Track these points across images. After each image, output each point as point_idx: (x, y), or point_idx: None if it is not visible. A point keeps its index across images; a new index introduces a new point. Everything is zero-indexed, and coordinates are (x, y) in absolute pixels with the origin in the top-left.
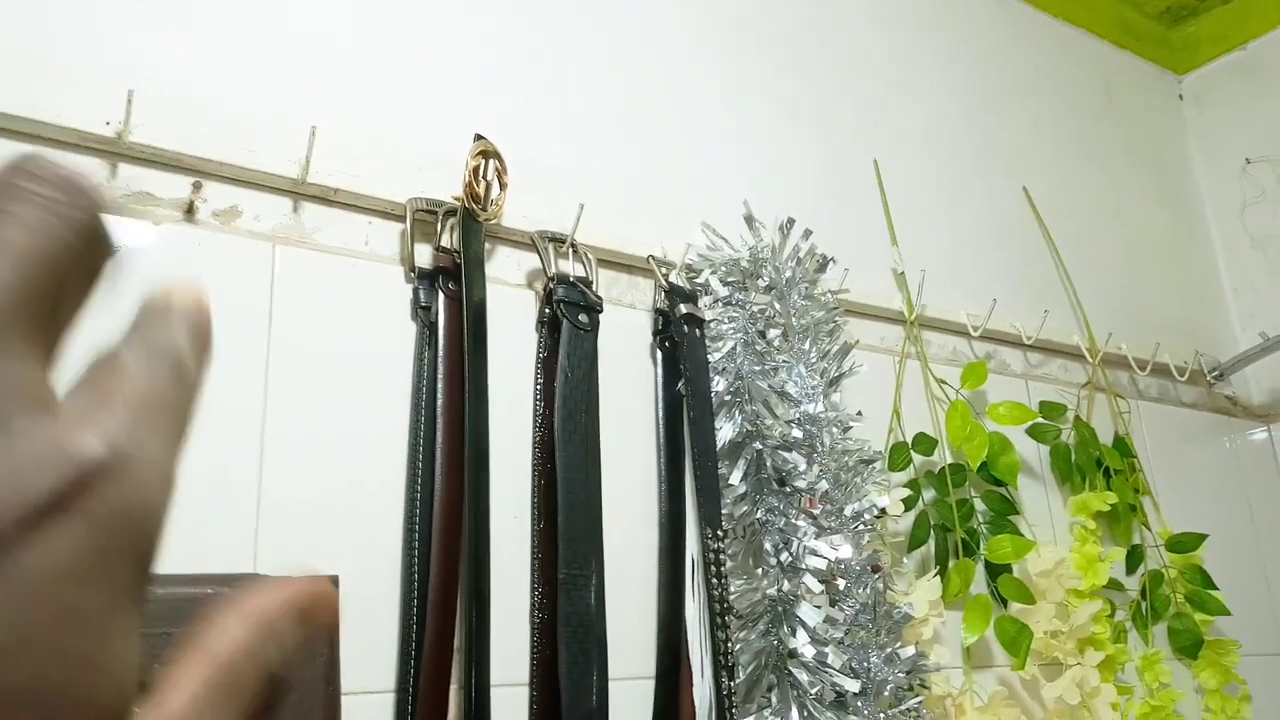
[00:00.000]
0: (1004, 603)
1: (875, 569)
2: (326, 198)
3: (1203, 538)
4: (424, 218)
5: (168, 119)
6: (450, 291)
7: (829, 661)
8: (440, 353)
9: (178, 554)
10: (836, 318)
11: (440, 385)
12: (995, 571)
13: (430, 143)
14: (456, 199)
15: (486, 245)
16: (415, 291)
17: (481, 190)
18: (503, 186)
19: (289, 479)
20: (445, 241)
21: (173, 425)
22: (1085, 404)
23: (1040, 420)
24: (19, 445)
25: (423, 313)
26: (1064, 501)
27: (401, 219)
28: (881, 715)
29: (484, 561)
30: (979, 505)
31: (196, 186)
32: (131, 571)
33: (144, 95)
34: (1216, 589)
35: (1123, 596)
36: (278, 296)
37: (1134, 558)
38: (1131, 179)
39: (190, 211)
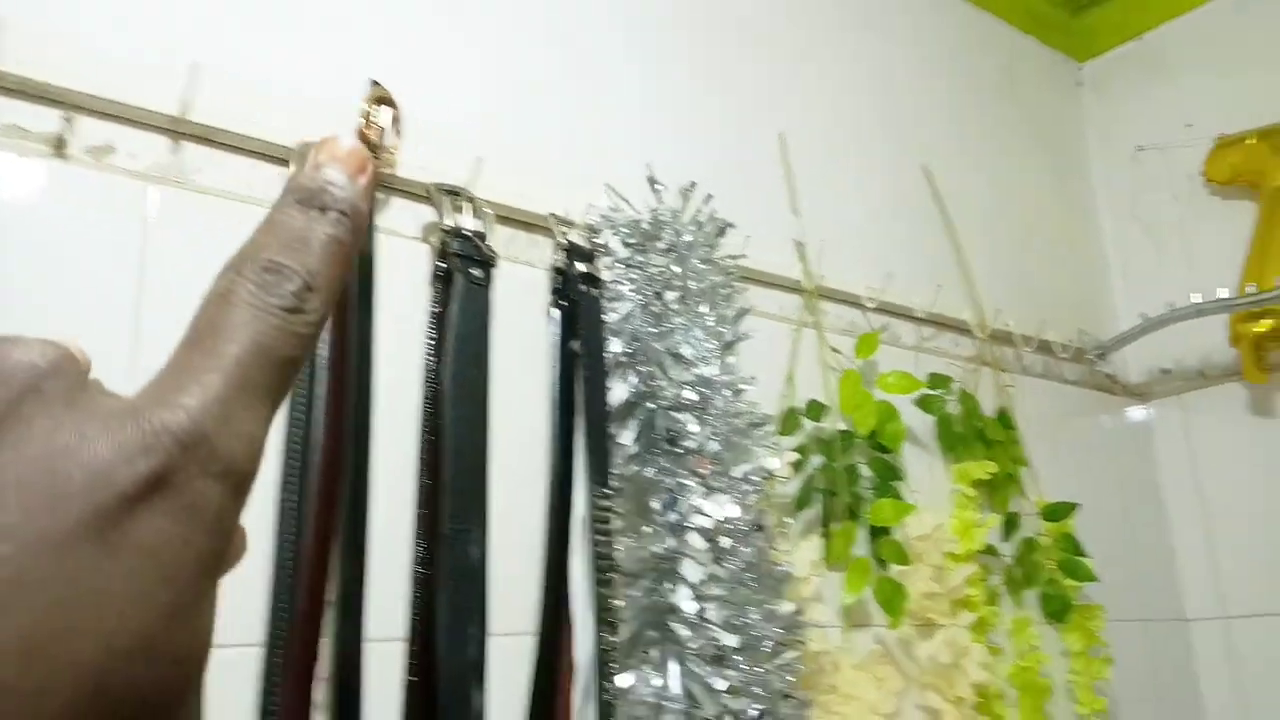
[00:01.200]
0: (884, 565)
1: (760, 528)
2: (208, 138)
3: (1074, 507)
4: None
5: (39, 50)
6: None
7: (709, 617)
8: None
9: None
10: (734, 282)
11: (324, 335)
12: (877, 534)
13: (323, 87)
14: None
15: (380, 196)
16: None
17: (375, 138)
18: (398, 135)
19: None
20: None
21: (267, 387)
22: (972, 377)
23: (927, 391)
24: (114, 431)
25: None
26: (947, 470)
27: (285, 162)
28: (759, 670)
29: (363, 515)
30: (865, 471)
31: (68, 120)
32: (216, 537)
33: (14, 25)
34: (1086, 557)
35: (998, 562)
36: (152, 238)
37: (1010, 525)
38: (1028, 161)
39: (61, 147)
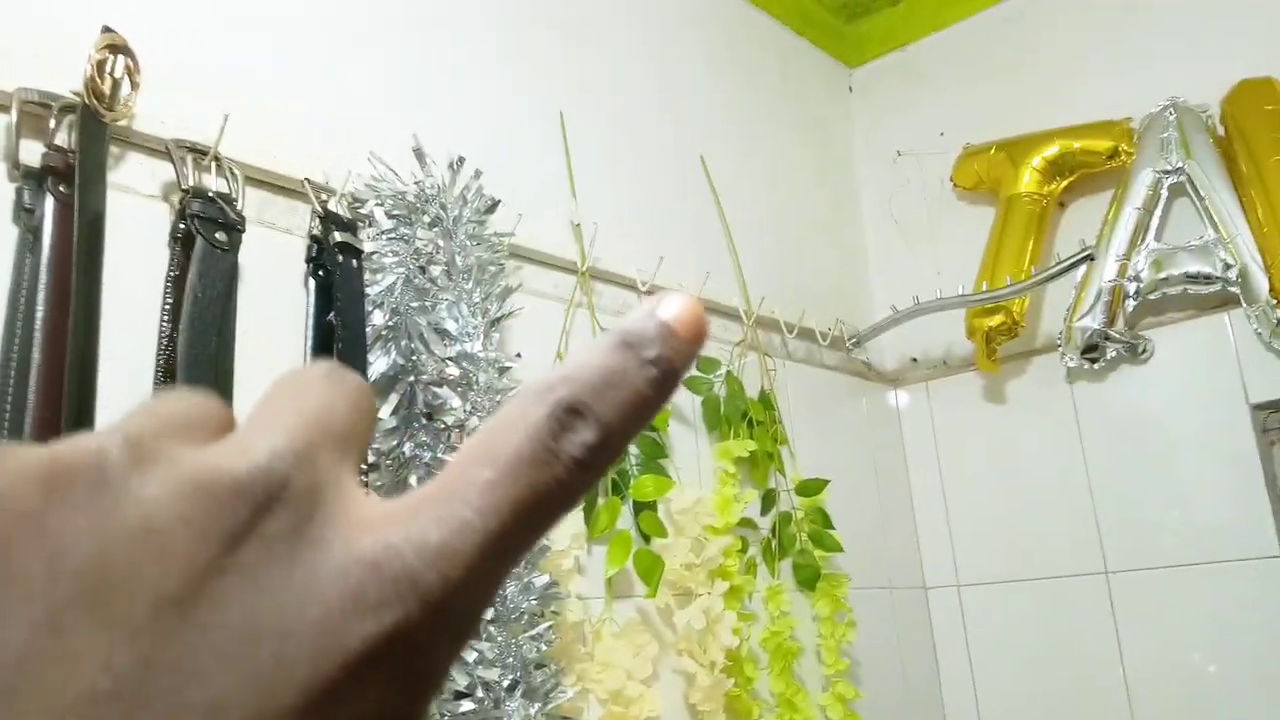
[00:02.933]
0: (646, 538)
1: None
2: None
3: (825, 483)
4: (35, 110)
5: None
6: (61, 195)
7: None
8: (44, 262)
9: None
10: (503, 260)
11: (42, 297)
12: (640, 509)
13: (51, 30)
14: (76, 94)
15: (115, 150)
16: (19, 192)
17: (107, 88)
18: (134, 86)
19: None
20: (61, 140)
21: (521, 547)
22: (738, 360)
23: (695, 373)
24: (349, 578)
25: (26, 215)
26: (711, 448)
27: (6, 110)
28: (514, 641)
29: None
30: (632, 449)
31: None
32: (429, 703)
33: None
34: (834, 529)
35: (756, 535)
36: None
37: (768, 500)
38: (798, 158)
39: None
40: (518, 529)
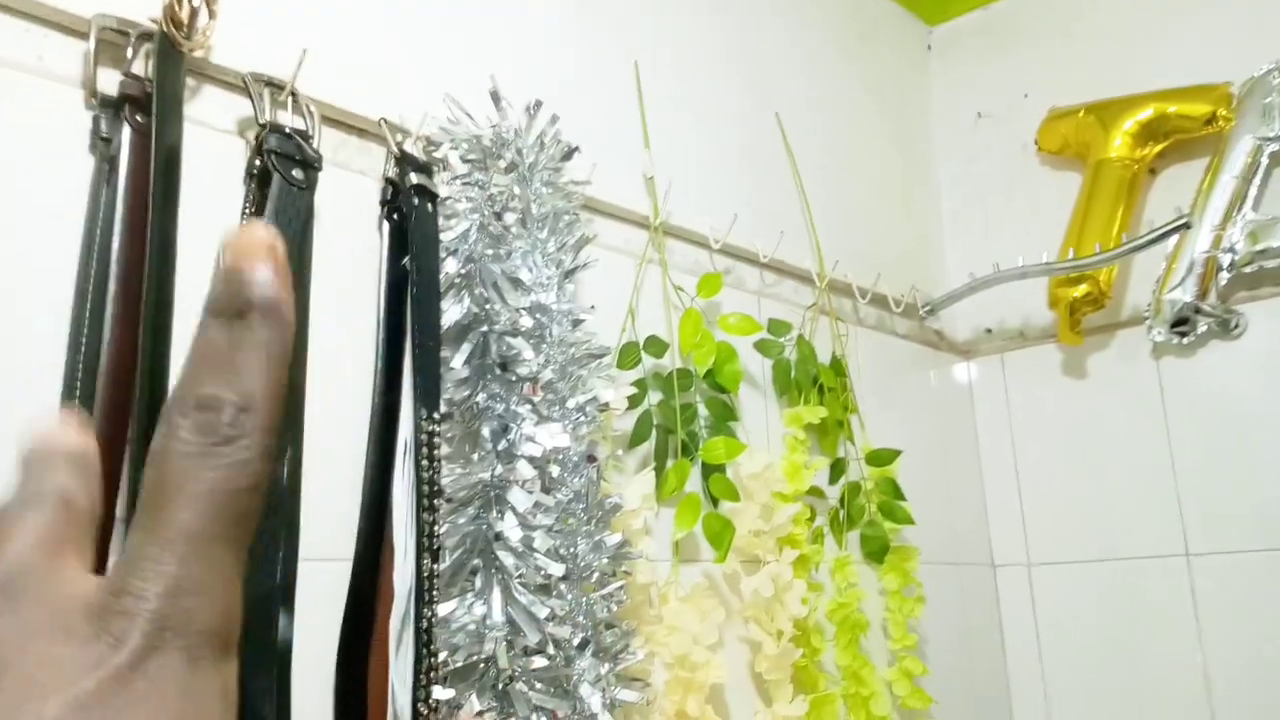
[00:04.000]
0: (714, 502)
1: (591, 459)
2: None
3: (897, 453)
4: (113, 38)
5: None
6: (138, 125)
7: (535, 545)
8: (120, 193)
9: None
10: (577, 209)
11: (118, 230)
12: (709, 472)
13: None
14: (155, 21)
15: (190, 82)
16: (96, 120)
17: (185, 16)
18: (212, 15)
19: None
20: (138, 69)
21: (226, 537)
22: (809, 325)
23: (766, 335)
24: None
25: (103, 144)
26: (780, 413)
27: (84, 36)
28: (584, 599)
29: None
30: (702, 410)
31: None
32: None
33: None
34: (905, 501)
35: (823, 504)
36: None
37: (837, 469)
38: (874, 118)
39: None
40: (212, 532)
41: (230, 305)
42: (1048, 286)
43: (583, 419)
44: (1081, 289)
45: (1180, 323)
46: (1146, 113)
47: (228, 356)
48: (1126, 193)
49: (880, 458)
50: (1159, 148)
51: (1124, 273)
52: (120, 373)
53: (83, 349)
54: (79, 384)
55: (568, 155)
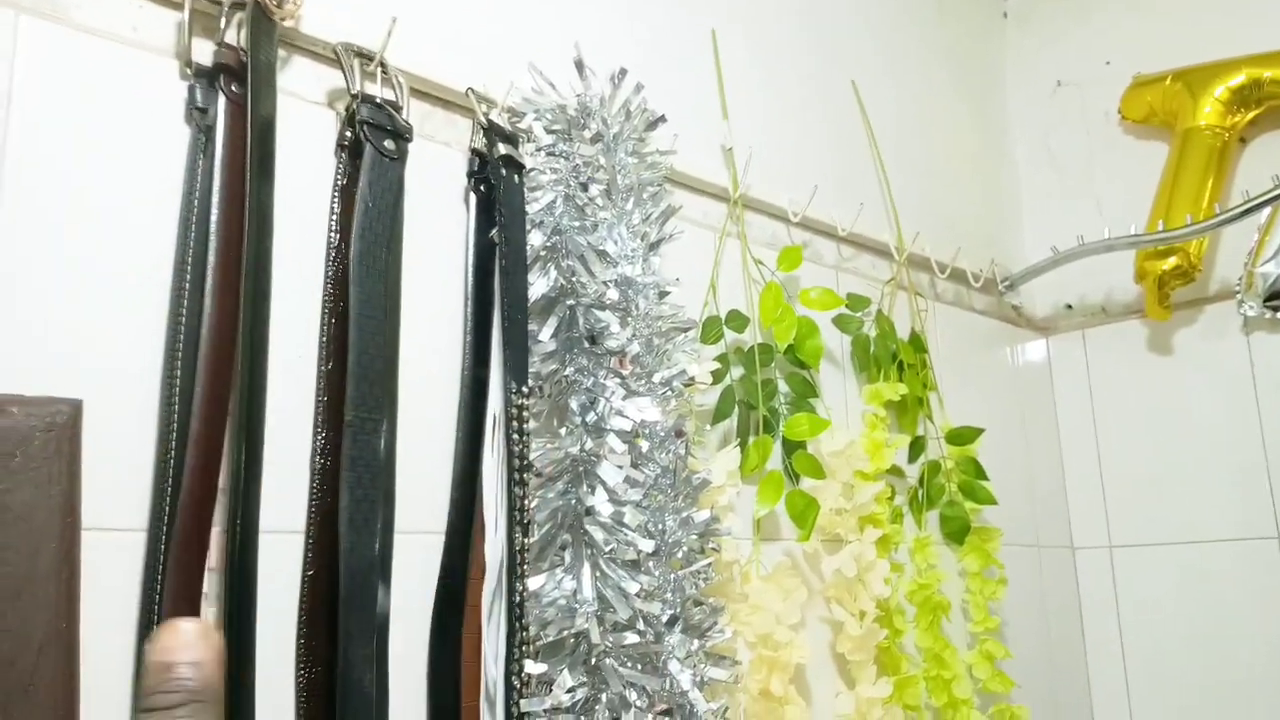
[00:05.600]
0: (795, 479)
1: (679, 434)
2: None
3: (979, 432)
4: (206, 8)
5: None
6: (233, 95)
7: (626, 520)
8: (217, 163)
9: None
10: (661, 180)
11: (216, 200)
12: (791, 449)
13: None
14: None
15: (281, 53)
16: (191, 90)
17: None
18: None
19: (24, 287)
20: (230, 39)
21: None
22: (888, 300)
23: (846, 310)
24: None
25: (198, 115)
26: (859, 390)
27: (179, 7)
28: (672, 575)
29: (258, 397)
30: (782, 386)
31: None
32: None
33: None
34: (987, 481)
35: (902, 483)
36: (21, 74)
37: (916, 447)
38: (950, 88)
39: None
40: None
41: (166, 699)
42: (1134, 260)
43: (669, 393)
44: (1171, 262)
45: (1273, 297)
46: (1238, 78)
47: None
48: (1217, 162)
49: (961, 436)
50: (1251, 115)
51: (1213, 245)
52: (221, 343)
53: (183, 320)
54: (180, 355)
55: (653, 125)
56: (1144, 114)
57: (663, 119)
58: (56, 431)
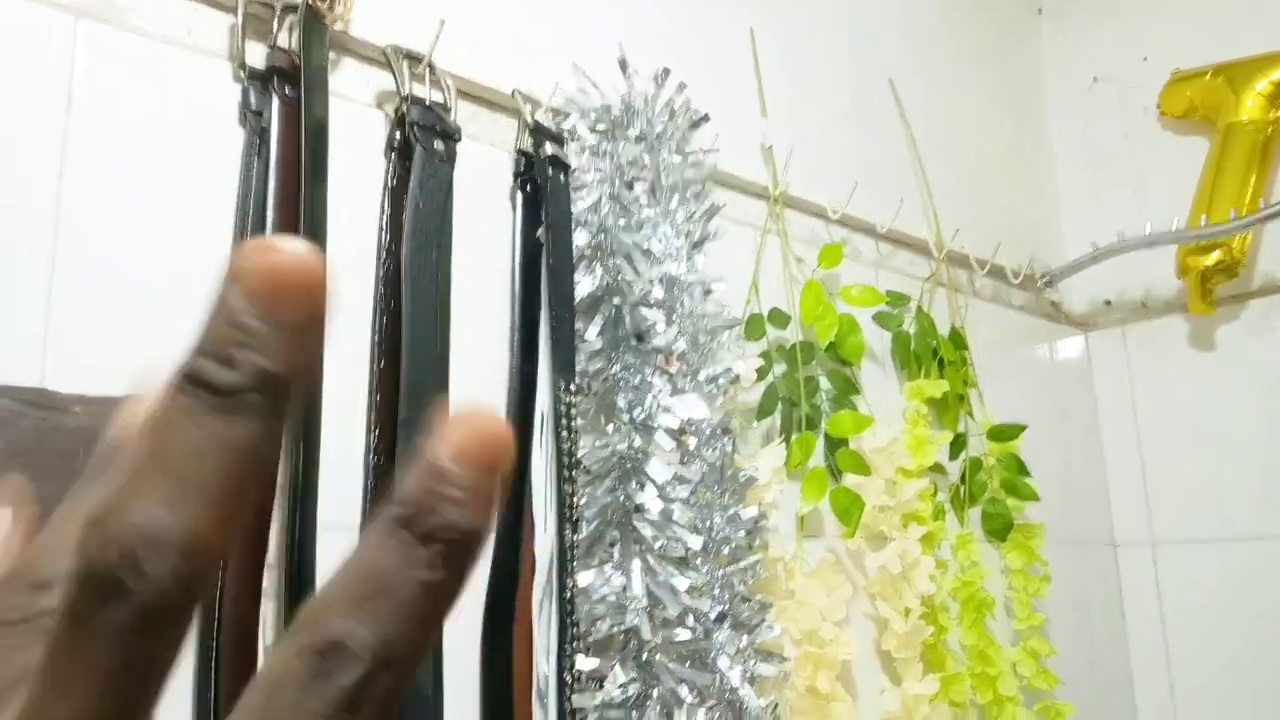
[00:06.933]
0: (837, 476)
1: (726, 431)
2: None
3: (1022, 428)
4: (258, 12)
5: None
6: (286, 97)
7: (675, 517)
8: (272, 165)
9: None
10: (704, 178)
11: (271, 202)
12: (834, 446)
13: None
14: None
15: (331, 56)
16: (245, 93)
17: None
18: None
19: (85, 286)
20: (283, 42)
21: None
22: (927, 296)
23: (886, 307)
24: None
25: (253, 118)
26: (900, 387)
27: (232, 10)
28: (720, 572)
29: (315, 397)
30: (824, 383)
31: None
32: None
33: None
34: (1029, 477)
35: (943, 480)
36: (80, 78)
37: (957, 444)
38: (986, 85)
39: None
40: None
41: (423, 523)
42: (1176, 255)
43: (715, 390)
44: (1214, 257)
45: None
46: None
47: (389, 588)
48: (1260, 157)
49: (1003, 433)
50: None
51: (1256, 240)
52: None
53: None
54: None
55: (696, 124)
56: (1184, 109)
57: (706, 118)
58: None
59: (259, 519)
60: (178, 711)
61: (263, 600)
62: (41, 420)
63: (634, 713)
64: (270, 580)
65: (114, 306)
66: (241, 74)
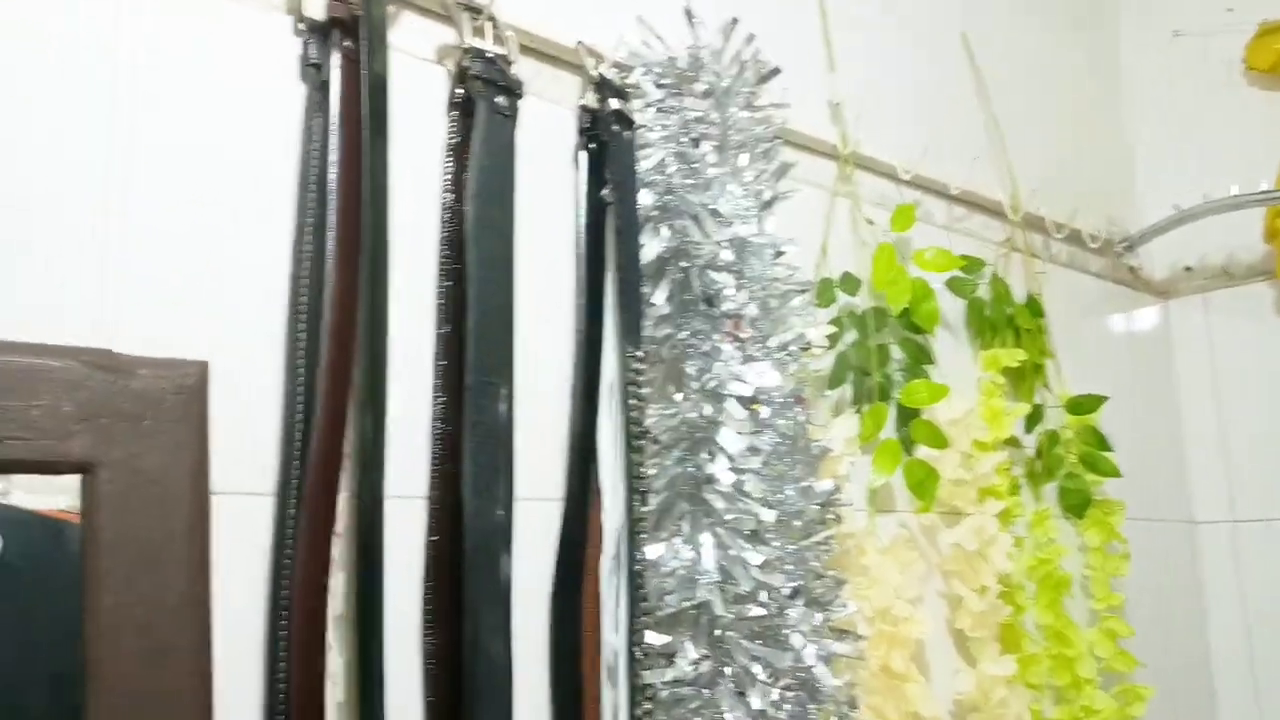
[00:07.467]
0: (910, 448)
1: (799, 400)
2: None
3: (1102, 400)
4: None
5: None
6: (347, 51)
7: (747, 489)
8: (334, 121)
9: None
10: (774, 135)
11: (334, 159)
12: (907, 417)
13: None
14: None
15: (390, 8)
16: (305, 46)
17: None
18: None
19: (145, 246)
20: None
21: None
22: (1002, 262)
23: (959, 273)
24: None
25: (313, 71)
26: (974, 356)
27: None
28: (792, 547)
29: (380, 361)
30: (895, 352)
31: None
32: None
33: None
34: (1110, 451)
35: (1018, 454)
36: (135, 33)
37: (1033, 416)
38: (1061, 40)
39: None
40: None
41: None
42: (1264, 218)
43: (786, 358)
44: None
45: None
46: None
47: None
48: None
49: (1082, 405)
50: None
51: None
52: (344, 307)
53: (305, 282)
54: (303, 318)
55: (766, 77)
56: (1272, 63)
57: (776, 70)
58: (185, 394)
59: (328, 485)
60: (247, 684)
61: (331, 570)
62: (108, 383)
63: (705, 691)
64: (338, 550)
65: (176, 269)
66: (300, 26)
